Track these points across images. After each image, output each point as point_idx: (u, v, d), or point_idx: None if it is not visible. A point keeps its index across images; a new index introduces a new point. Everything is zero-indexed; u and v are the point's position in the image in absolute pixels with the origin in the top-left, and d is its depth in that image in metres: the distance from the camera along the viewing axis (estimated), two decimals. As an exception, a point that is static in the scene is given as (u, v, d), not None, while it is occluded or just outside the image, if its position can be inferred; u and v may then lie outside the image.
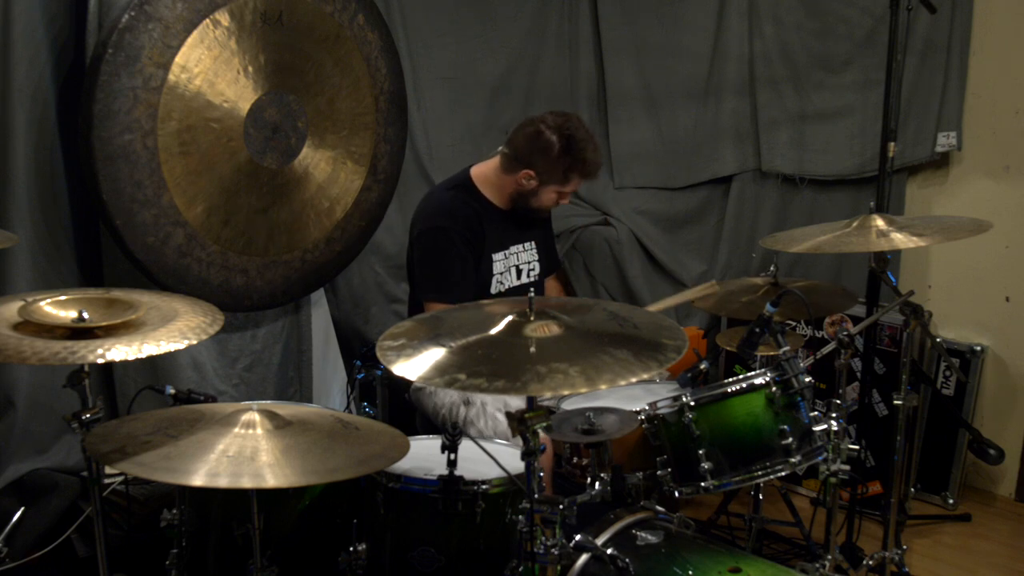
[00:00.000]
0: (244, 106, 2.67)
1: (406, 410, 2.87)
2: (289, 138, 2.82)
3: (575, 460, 2.26)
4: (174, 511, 2.06)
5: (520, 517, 1.72)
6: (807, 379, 2.03)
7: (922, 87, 3.33)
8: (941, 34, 3.28)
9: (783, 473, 2.05)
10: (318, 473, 1.67)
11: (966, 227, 2.28)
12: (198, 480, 1.57)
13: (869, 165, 3.41)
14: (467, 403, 2.62)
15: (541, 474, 1.75)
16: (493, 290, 2.81)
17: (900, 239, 2.22)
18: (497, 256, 2.80)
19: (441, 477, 1.95)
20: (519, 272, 2.87)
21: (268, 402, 2.12)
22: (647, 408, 2.13)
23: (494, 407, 2.57)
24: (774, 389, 2.03)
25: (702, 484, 2.06)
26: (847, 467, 2.07)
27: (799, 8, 3.52)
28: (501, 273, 2.82)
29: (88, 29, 2.50)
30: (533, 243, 2.91)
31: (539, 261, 2.93)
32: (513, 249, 2.85)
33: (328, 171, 2.96)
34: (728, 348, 2.48)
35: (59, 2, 2.52)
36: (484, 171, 2.81)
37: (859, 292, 2.84)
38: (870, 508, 3.08)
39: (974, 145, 3.35)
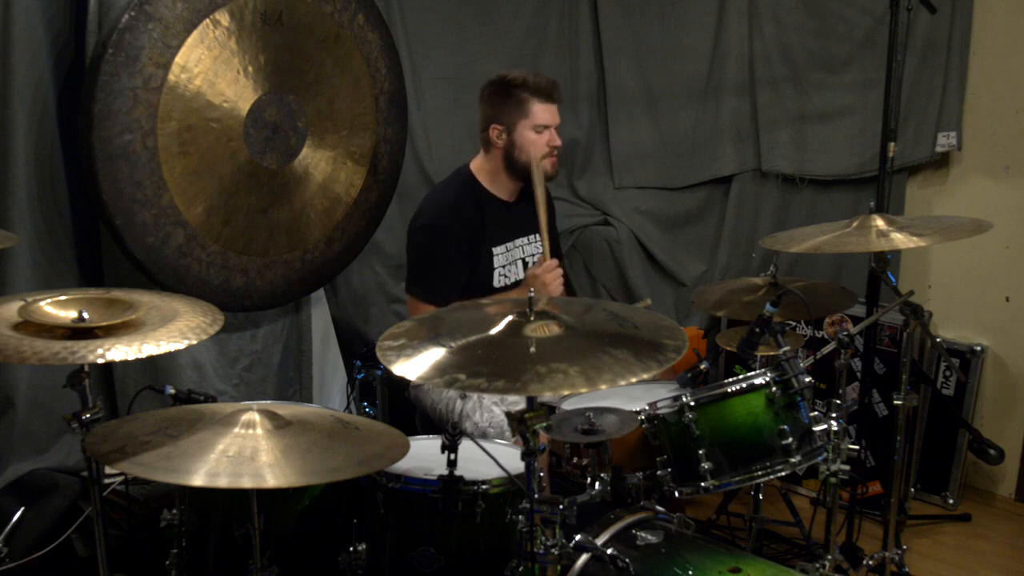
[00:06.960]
0: (244, 106, 2.67)
1: (406, 410, 2.88)
2: (289, 138, 2.82)
3: (575, 460, 2.26)
4: (174, 511, 2.06)
5: (520, 517, 1.72)
6: (807, 379, 2.03)
7: (922, 87, 3.33)
8: (941, 34, 3.28)
9: (783, 473, 2.05)
10: (318, 473, 1.67)
11: (966, 227, 2.27)
12: (198, 480, 1.57)
13: (869, 165, 3.41)
14: (463, 397, 2.68)
15: (541, 474, 1.75)
16: (497, 283, 2.85)
17: (900, 239, 2.22)
18: (498, 250, 2.83)
19: (441, 477, 1.95)
20: (525, 264, 2.90)
21: (268, 402, 2.12)
22: (647, 408, 2.13)
23: (490, 400, 2.62)
24: (774, 389, 2.03)
25: (702, 484, 2.06)
26: (847, 467, 2.06)
27: (799, 8, 3.52)
28: (504, 266, 2.84)
29: (88, 29, 2.50)
30: (538, 235, 2.92)
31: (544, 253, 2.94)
32: (518, 242, 2.89)
33: (328, 171, 2.96)
34: (728, 348, 2.48)
35: (59, 2, 2.52)
36: (479, 163, 2.87)
37: (859, 292, 2.84)
38: (870, 508, 3.08)
39: (974, 145, 3.34)
